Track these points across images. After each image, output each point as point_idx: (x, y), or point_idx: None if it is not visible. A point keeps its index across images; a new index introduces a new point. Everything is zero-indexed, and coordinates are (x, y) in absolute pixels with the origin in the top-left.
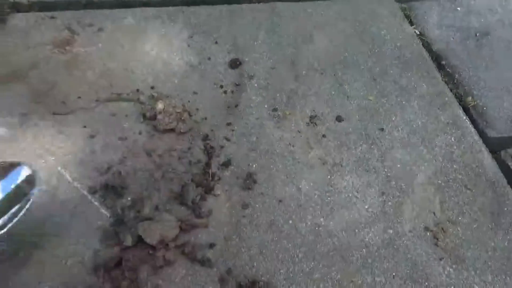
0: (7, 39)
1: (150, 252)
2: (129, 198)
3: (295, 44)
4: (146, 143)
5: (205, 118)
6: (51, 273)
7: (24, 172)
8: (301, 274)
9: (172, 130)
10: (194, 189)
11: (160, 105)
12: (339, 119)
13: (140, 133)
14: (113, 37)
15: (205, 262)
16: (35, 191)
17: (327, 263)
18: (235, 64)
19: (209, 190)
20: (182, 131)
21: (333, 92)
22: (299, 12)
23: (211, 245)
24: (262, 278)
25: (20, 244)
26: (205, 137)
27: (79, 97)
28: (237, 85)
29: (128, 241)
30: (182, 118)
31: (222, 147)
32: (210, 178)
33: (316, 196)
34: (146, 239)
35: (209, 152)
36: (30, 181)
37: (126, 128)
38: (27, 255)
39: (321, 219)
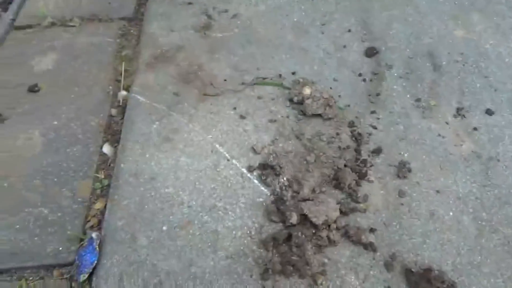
0: (152, 22)
1: (314, 231)
2: (285, 178)
3: (432, 33)
4: (295, 126)
5: (348, 105)
6: (224, 243)
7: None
8: (469, 267)
9: (319, 115)
10: (350, 174)
11: (307, 90)
12: (489, 112)
13: (288, 116)
14: (248, 23)
15: (368, 246)
16: None
17: (495, 259)
18: (371, 52)
19: (362, 176)
20: (329, 116)
21: (478, 84)
22: (434, 1)
23: (372, 230)
24: (435, 267)
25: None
26: (351, 124)
27: (225, 80)
28: (375, 73)
29: (294, 219)
30: (330, 104)
31: (369, 134)
32: (363, 165)
33: (475, 190)
34: (313, 218)
35: (357, 138)
36: None
37: (274, 111)
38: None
39: (483, 214)
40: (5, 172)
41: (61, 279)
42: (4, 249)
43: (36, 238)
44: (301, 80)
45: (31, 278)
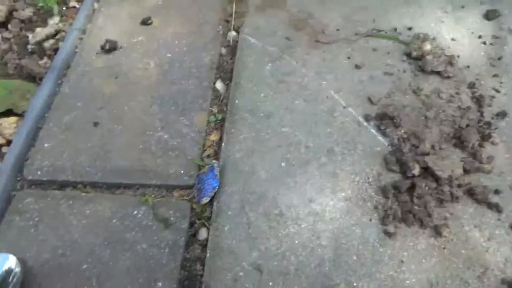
0: None
1: (435, 185)
2: (403, 131)
3: None
4: (412, 81)
5: (468, 66)
6: (343, 185)
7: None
8: None
9: (437, 72)
10: (474, 133)
11: (428, 46)
12: None
13: (404, 71)
14: None
15: (492, 206)
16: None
17: None
18: (493, 15)
19: (486, 138)
20: (449, 75)
21: None
22: None
23: (496, 191)
24: None
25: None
26: (471, 85)
27: (338, 30)
28: (496, 37)
29: (416, 170)
30: (452, 62)
31: (492, 97)
32: (486, 126)
33: None
34: (438, 172)
35: (478, 100)
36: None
37: (389, 64)
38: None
39: None
40: (125, 97)
41: (182, 199)
42: (131, 165)
43: (158, 160)
44: (421, 35)
45: (152, 195)
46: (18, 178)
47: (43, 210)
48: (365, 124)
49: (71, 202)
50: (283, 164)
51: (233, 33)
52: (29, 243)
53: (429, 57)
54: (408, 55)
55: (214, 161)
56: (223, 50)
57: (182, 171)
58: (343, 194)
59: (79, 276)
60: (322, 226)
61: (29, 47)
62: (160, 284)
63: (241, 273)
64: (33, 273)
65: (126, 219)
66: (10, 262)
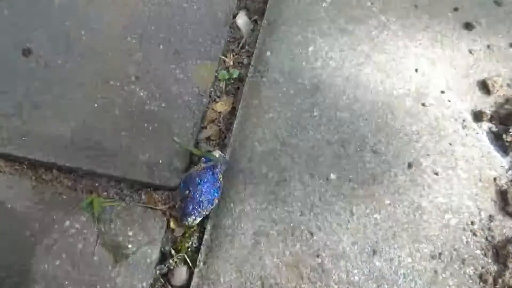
0: None
1: None
2: None
3: None
4: None
5: None
6: (430, 230)
7: None
8: None
9: None
10: None
11: None
12: None
13: None
14: None
15: None
16: None
17: None
18: None
19: None
20: None
21: None
22: None
23: None
24: None
25: None
26: None
27: None
28: None
29: None
30: None
31: None
32: None
33: None
34: None
35: None
36: None
37: None
38: None
39: None
40: (86, 14)
41: (154, 209)
42: (72, 137)
43: (123, 133)
44: None
45: (102, 196)
46: None
47: None
48: (474, 126)
49: None
50: (332, 176)
51: None
52: None
53: None
54: None
55: (216, 151)
56: None
57: (160, 160)
58: (428, 247)
59: None
60: None
61: None
62: None
63: None
64: None
65: (48, 235)
66: None
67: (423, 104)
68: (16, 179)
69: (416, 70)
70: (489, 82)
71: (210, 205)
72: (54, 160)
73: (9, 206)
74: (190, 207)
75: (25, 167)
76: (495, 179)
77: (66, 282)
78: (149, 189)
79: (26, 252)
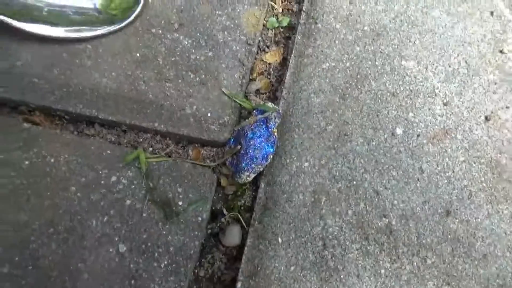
0: None
1: None
2: None
3: None
4: None
5: None
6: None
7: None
8: None
9: None
10: None
11: None
12: None
13: None
14: None
15: None
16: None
17: None
18: None
19: None
20: None
21: None
22: None
23: None
24: None
25: None
26: None
27: None
28: None
29: None
30: None
31: None
32: None
33: None
34: None
35: None
36: None
37: None
38: None
39: None
40: None
41: (202, 166)
42: (111, 87)
43: (167, 84)
44: None
45: (148, 151)
46: None
47: None
48: None
49: None
50: (398, 131)
51: None
52: None
53: None
54: None
55: (269, 104)
56: None
57: (208, 113)
58: (508, 208)
59: None
60: None
61: None
62: None
63: None
64: None
65: (94, 191)
66: None
67: (501, 51)
68: (57, 133)
69: (492, 13)
70: None
71: (264, 161)
72: (96, 114)
73: (52, 160)
74: (244, 163)
75: (65, 121)
76: None
77: (116, 239)
78: (196, 145)
79: (72, 208)
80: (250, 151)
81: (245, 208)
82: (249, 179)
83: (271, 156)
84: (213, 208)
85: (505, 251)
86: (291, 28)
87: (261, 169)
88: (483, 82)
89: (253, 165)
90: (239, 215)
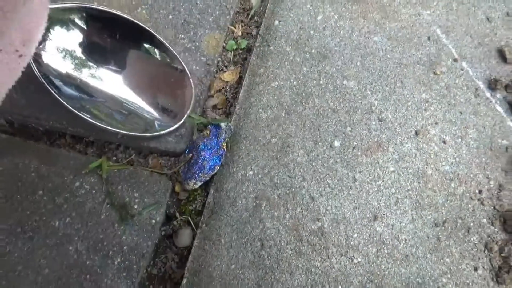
0: None
1: None
2: None
3: None
4: None
5: None
6: (436, 196)
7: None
8: None
9: None
10: None
11: None
12: None
13: None
14: None
15: None
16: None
17: None
18: None
19: None
20: None
21: None
22: None
23: None
24: None
25: None
26: None
27: None
28: None
29: None
30: None
31: None
32: None
33: None
34: None
35: None
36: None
37: None
38: None
39: None
40: None
41: (160, 174)
42: None
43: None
44: None
45: (111, 160)
46: None
47: None
48: (487, 95)
49: None
50: (336, 143)
51: None
52: None
53: None
54: None
55: (222, 119)
56: None
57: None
58: (431, 214)
59: None
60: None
61: None
62: None
63: None
64: None
65: (59, 195)
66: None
67: (434, 73)
68: (30, 143)
69: (429, 38)
70: (506, 50)
71: (211, 171)
72: (67, 126)
73: (23, 168)
74: (192, 172)
75: (40, 132)
76: (507, 148)
77: (76, 238)
78: (156, 155)
79: (39, 210)
80: (200, 161)
81: (196, 212)
82: (196, 186)
83: (218, 167)
84: (168, 212)
85: (426, 253)
86: (249, 50)
87: (207, 178)
88: (416, 101)
89: (200, 174)
90: (189, 219)
